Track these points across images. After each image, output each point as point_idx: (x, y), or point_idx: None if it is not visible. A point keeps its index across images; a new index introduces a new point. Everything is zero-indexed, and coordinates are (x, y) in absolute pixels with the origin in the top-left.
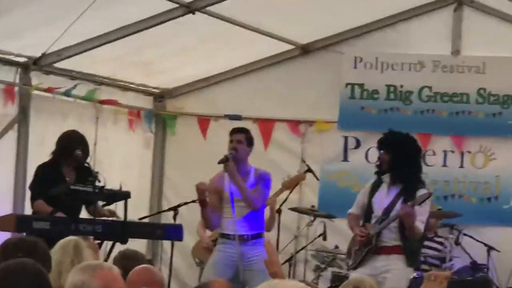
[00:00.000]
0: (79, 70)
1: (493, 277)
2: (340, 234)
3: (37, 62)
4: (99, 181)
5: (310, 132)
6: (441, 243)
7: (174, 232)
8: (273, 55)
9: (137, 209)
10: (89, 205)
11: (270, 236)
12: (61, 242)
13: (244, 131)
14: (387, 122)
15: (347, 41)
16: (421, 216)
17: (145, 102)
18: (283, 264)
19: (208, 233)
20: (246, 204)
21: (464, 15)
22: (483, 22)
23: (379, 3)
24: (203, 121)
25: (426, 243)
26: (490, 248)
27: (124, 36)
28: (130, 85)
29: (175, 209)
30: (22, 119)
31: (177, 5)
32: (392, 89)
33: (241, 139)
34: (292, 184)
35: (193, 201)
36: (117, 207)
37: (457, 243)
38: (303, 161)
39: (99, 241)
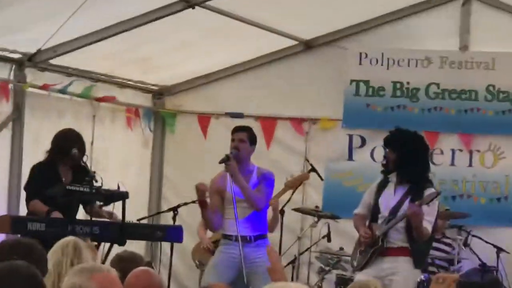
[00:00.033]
0: (75, 67)
1: (503, 280)
2: (345, 236)
3: (32, 59)
4: (96, 181)
5: (313, 130)
6: (449, 245)
7: (174, 234)
8: (275, 51)
9: (135, 210)
10: (86, 205)
11: (273, 237)
12: (60, 242)
13: (246, 129)
14: (393, 120)
15: (352, 36)
16: (428, 216)
17: (144, 100)
18: (286, 266)
19: (209, 234)
20: (248, 204)
21: (473, 9)
22: (492, 17)
23: None
24: (204, 119)
25: (434, 244)
26: (499, 250)
27: (121, 32)
28: (128, 82)
29: (174, 209)
30: (16, 117)
31: (177, 0)
32: (398, 86)
33: (243, 138)
34: (295, 184)
35: (193, 202)
36: (115, 207)
37: (465, 244)
38: (307, 160)
39: (96, 243)
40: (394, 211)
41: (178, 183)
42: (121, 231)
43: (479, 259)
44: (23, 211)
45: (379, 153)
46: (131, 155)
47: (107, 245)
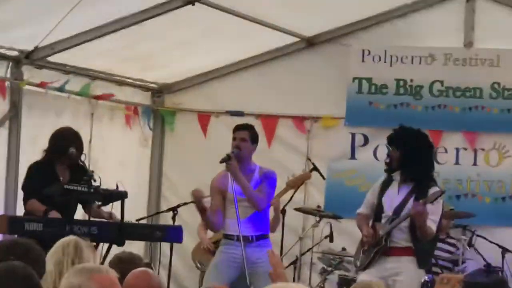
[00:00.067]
0: (73, 64)
1: (508, 281)
2: (347, 236)
3: (29, 56)
4: (95, 181)
5: (315, 128)
6: (453, 245)
7: (174, 234)
8: (276, 48)
9: (134, 210)
10: (85, 205)
11: (274, 237)
12: (61, 241)
13: (248, 128)
14: (397, 118)
15: (355, 33)
16: (433, 215)
17: (143, 98)
18: (287, 267)
19: (209, 234)
20: (250, 204)
21: (477, 5)
22: (497, 13)
23: None
24: (204, 118)
25: (438, 244)
26: (505, 250)
27: (120, 29)
28: (127, 80)
29: (174, 209)
30: (13, 116)
31: None
32: (401, 83)
33: (245, 136)
34: (297, 183)
35: (193, 202)
36: (114, 207)
37: (470, 244)
38: (309, 159)
39: (94, 243)
40: (398, 210)
41: (177, 183)
42: (119, 231)
43: (484, 259)
44: (20, 211)
45: (382, 152)
46: (130, 154)
47: (106, 245)
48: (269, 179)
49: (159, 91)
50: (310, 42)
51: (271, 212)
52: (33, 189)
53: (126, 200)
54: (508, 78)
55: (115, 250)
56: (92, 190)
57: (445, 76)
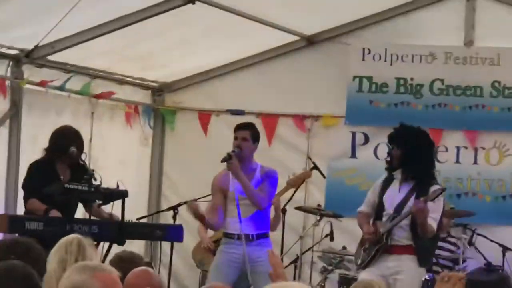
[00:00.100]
0: (73, 63)
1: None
2: (347, 234)
3: (30, 55)
4: (95, 180)
5: (316, 127)
6: (454, 244)
7: (174, 233)
8: (276, 46)
9: (135, 209)
10: (86, 205)
11: (274, 236)
12: (64, 240)
13: (249, 127)
14: (397, 117)
15: (355, 32)
16: (433, 213)
17: (143, 97)
18: (288, 265)
19: (210, 233)
20: (251, 203)
21: (478, 4)
22: (498, 12)
23: None
24: (204, 116)
25: (439, 244)
26: (505, 249)
27: (120, 28)
28: (127, 79)
29: (174, 208)
30: (13, 114)
31: None
32: (402, 82)
33: (246, 136)
34: (297, 182)
35: (194, 200)
36: (114, 206)
37: (470, 243)
38: (309, 157)
39: (95, 243)
40: (399, 208)
41: (178, 181)
42: (120, 231)
43: (484, 258)
44: (20, 209)
45: (383, 150)
46: (130, 153)
47: (106, 244)
48: (270, 178)
49: (159, 90)
50: (310, 41)
51: (272, 211)
52: (33, 188)
53: (126, 199)
54: (508, 77)
55: (116, 249)
56: (92, 189)
57: (446, 75)
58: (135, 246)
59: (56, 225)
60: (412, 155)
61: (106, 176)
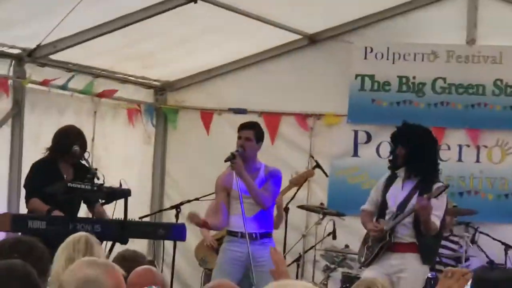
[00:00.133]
0: (75, 62)
1: None
2: (350, 233)
3: (32, 54)
4: (98, 179)
5: (318, 126)
6: (456, 243)
7: (177, 232)
8: (279, 45)
9: (137, 208)
10: (89, 204)
11: (277, 235)
12: (72, 237)
13: (253, 127)
14: (399, 115)
15: (357, 30)
16: (437, 211)
17: (145, 95)
18: (290, 264)
19: (212, 232)
20: (255, 202)
21: (480, 2)
22: (500, 10)
23: None
24: (206, 115)
25: (441, 242)
26: (507, 247)
27: (123, 27)
28: (130, 78)
29: (177, 207)
30: (16, 113)
31: None
32: (404, 80)
33: (250, 136)
34: (300, 180)
35: (196, 199)
36: (117, 205)
37: (473, 241)
38: (312, 156)
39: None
40: (402, 206)
41: (180, 180)
42: (123, 230)
43: (487, 256)
44: (23, 208)
45: (385, 149)
46: (133, 152)
47: (109, 243)
48: (274, 177)
49: (161, 88)
50: (313, 40)
51: (274, 210)
52: (34, 188)
53: (129, 198)
54: (510, 75)
55: (118, 248)
56: (95, 188)
57: (448, 73)
58: (138, 245)
59: (59, 224)
60: (416, 154)
61: (108, 175)
